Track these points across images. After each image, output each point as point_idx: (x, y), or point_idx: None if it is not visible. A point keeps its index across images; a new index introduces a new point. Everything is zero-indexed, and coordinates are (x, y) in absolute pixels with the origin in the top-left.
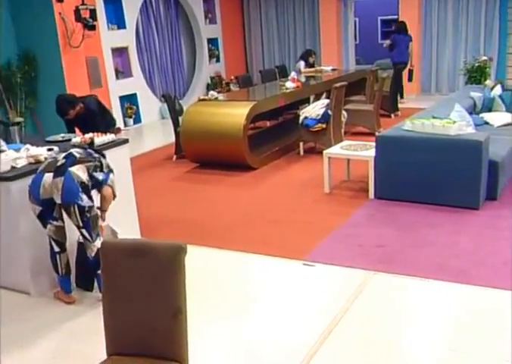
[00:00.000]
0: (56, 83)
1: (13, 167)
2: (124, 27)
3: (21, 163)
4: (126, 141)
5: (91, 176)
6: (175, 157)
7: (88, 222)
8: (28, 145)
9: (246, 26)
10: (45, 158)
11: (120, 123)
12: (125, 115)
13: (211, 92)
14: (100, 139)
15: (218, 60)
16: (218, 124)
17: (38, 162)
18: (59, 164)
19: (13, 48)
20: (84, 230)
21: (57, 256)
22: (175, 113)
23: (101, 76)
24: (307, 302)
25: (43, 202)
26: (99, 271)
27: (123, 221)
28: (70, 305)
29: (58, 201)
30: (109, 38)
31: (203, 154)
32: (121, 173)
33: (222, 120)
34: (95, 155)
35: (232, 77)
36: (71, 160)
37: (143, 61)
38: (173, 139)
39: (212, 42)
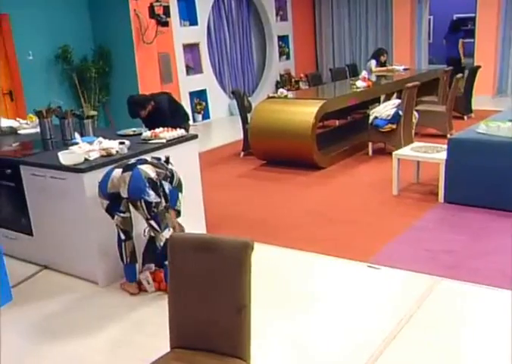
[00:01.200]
0: (128, 78)
1: (86, 159)
2: (196, 24)
3: (94, 155)
4: (195, 136)
5: (160, 181)
6: (242, 154)
7: (156, 216)
8: (101, 138)
9: (317, 23)
10: (117, 152)
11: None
12: (194, 111)
13: (281, 90)
14: (170, 133)
15: (288, 57)
16: (287, 122)
17: (109, 155)
18: (130, 163)
19: (89, 43)
20: (152, 221)
21: (123, 244)
22: (244, 110)
23: (172, 72)
24: (370, 305)
25: (110, 195)
26: (167, 262)
27: (189, 216)
28: (135, 296)
29: (125, 195)
30: (181, 34)
31: (270, 151)
32: (190, 168)
33: (291, 118)
34: (168, 166)
35: (302, 75)
36: (142, 161)
37: (213, 57)
38: (240, 135)
39: (282, 39)
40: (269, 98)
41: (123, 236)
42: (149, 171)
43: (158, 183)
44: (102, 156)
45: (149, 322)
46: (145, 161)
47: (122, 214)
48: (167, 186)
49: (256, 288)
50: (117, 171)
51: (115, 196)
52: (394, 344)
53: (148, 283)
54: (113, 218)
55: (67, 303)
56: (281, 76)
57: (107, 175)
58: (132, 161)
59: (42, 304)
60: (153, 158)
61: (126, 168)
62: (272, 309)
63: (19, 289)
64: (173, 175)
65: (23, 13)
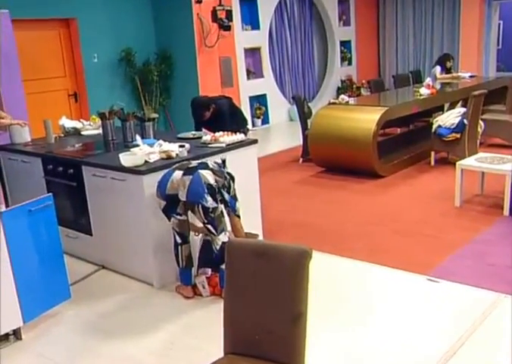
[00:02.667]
0: (189, 82)
1: (146, 162)
2: (258, 28)
3: (154, 158)
4: (254, 141)
5: (219, 188)
6: (301, 160)
7: (213, 220)
8: (161, 141)
9: (381, 28)
10: (177, 155)
11: (248, 124)
12: (253, 115)
13: (342, 96)
14: (229, 138)
15: (350, 63)
16: (347, 129)
17: (169, 158)
18: (191, 166)
19: (152, 47)
20: (209, 225)
21: (179, 248)
22: (304, 115)
23: (233, 76)
24: (428, 320)
25: (168, 197)
26: (223, 266)
27: (247, 221)
28: (190, 299)
29: (183, 198)
30: (243, 38)
31: (330, 158)
32: (248, 173)
33: (351, 125)
34: (227, 175)
35: (364, 81)
36: (203, 165)
37: (274, 62)
38: (300, 141)
39: (345, 44)
40: (330, 104)
41: (179, 240)
42: (209, 177)
43: (216, 190)
44: (162, 159)
45: (203, 326)
46: (206, 166)
47: (178, 217)
48: (226, 195)
49: (312, 297)
50: (178, 173)
51: (173, 197)
52: (453, 362)
53: (203, 287)
54: (169, 219)
55: (122, 303)
56: (342, 82)
57: (167, 176)
58: (194, 164)
59: (98, 303)
60: (215, 162)
61: (187, 172)
62: (327, 318)
63: (77, 287)
64: (230, 185)
65: (89, 17)
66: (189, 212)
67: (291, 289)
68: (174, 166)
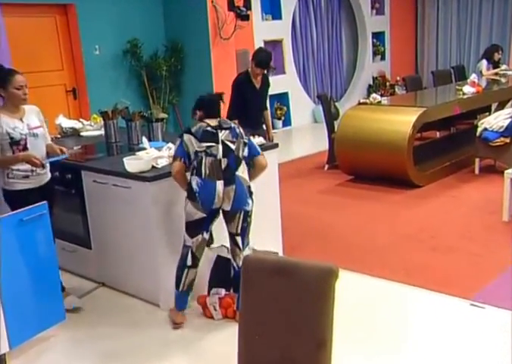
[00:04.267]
0: (202, 78)
1: (153, 167)
2: (280, 18)
3: (162, 163)
4: (275, 145)
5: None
6: (327, 166)
7: (246, 228)
8: (170, 144)
9: (419, 18)
10: None
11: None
12: (274, 116)
13: (373, 95)
14: None
15: (383, 57)
16: (379, 132)
17: None
18: (224, 167)
19: (161, 38)
20: (239, 238)
21: (186, 270)
22: (330, 117)
23: None
24: (471, 351)
25: (212, 211)
26: None
27: (266, 235)
28: (200, 323)
29: (227, 208)
30: (262, 29)
31: (359, 165)
32: (268, 181)
33: (384, 127)
34: (238, 131)
35: (399, 78)
36: (233, 159)
37: (298, 56)
38: (325, 146)
39: (377, 36)
40: (359, 104)
41: (189, 262)
42: (245, 175)
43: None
44: (171, 164)
45: (214, 352)
46: (235, 156)
47: (205, 234)
48: (245, 151)
49: (338, 321)
50: (220, 183)
51: (216, 211)
52: None
53: (215, 309)
54: (192, 237)
55: (123, 326)
56: (374, 79)
57: (211, 187)
58: (223, 159)
59: (97, 326)
60: (227, 131)
61: (228, 180)
62: (355, 346)
63: None
64: (243, 135)
65: (90, 2)
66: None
67: (315, 312)
68: (206, 171)
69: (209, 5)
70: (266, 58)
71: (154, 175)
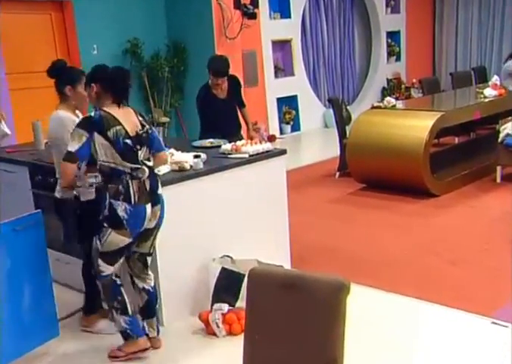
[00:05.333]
0: (206, 80)
1: None
2: (289, 16)
3: (164, 170)
4: (283, 152)
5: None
6: (338, 174)
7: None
8: (172, 150)
9: (437, 15)
10: (191, 166)
11: (275, 130)
12: (282, 121)
13: (388, 99)
14: (253, 147)
15: (398, 58)
16: (394, 138)
17: (182, 170)
18: (149, 188)
19: (162, 37)
20: (150, 258)
21: (122, 289)
22: (342, 121)
23: (258, 74)
24: None
25: (138, 234)
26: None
27: (272, 246)
28: (204, 340)
29: (151, 226)
30: (270, 28)
31: (372, 172)
32: (275, 189)
33: (399, 133)
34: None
35: (415, 81)
36: (155, 180)
37: (307, 57)
38: (336, 152)
39: (392, 35)
40: (373, 108)
41: (119, 281)
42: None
43: None
44: (173, 171)
45: None
46: (155, 175)
47: (123, 257)
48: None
49: (349, 339)
50: (149, 207)
51: (140, 233)
52: None
53: (218, 326)
54: (113, 265)
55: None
56: (388, 81)
57: (142, 212)
58: (146, 179)
59: (92, 342)
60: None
61: (154, 201)
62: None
63: (67, 322)
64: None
65: (88, 0)
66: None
67: (325, 328)
68: (135, 197)
69: (214, 3)
70: (222, 66)
71: None
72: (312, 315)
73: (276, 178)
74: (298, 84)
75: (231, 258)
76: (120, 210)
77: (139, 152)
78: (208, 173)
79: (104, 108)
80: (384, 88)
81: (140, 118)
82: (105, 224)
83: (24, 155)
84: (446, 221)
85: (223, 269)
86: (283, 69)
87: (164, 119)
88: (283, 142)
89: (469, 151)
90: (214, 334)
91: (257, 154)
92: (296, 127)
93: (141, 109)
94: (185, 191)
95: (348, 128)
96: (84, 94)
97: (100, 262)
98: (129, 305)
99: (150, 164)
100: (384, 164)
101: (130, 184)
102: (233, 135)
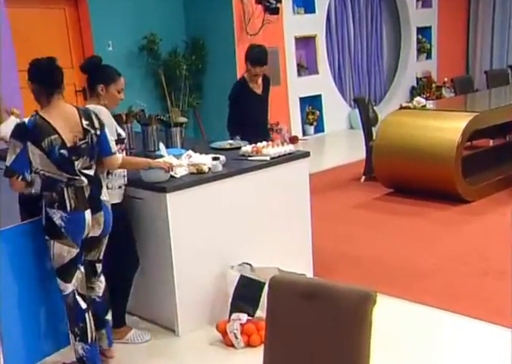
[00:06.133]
0: (226, 78)
1: (171, 177)
2: (313, 11)
3: (181, 172)
4: (306, 154)
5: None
6: (363, 178)
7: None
8: (190, 152)
9: (472, 10)
10: (209, 169)
11: (298, 131)
12: (304, 121)
13: (417, 99)
14: (275, 149)
15: (429, 56)
16: (423, 140)
17: (200, 173)
18: (88, 194)
19: (181, 33)
20: (99, 265)
21: (86, 315)
22: (368, 122)
23: (280, 72)
24: None
25: (82, 242)
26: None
27: (294, 253)
28: (222, 351)
29: (96, 234)
30: (293, 24)
31: (399, 177)
32: (297, 193)
33: (429, 135)
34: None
35: (446, 79)
36: (97, 186)
37: (333, 54)
38: (362, 155)
39: (423, 32)
40: (401, 108)
41: (84, 305)
42: (108, 196)
43: None
44: (191, 173)
45: None
46: (99, 182)
47: (81, 268)
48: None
49: (374, 352)
50: (88, 213)
51: (84, 241)
52: None
53: (236, 337)
54: (70, 280)
55: (134, 352)
56: (418, 80)
57: (79, 218)
58: (86, 187)
59: (105, 351)
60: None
61: (94, 208)
62: None
63: None
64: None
65: None
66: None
67: (350, 341)
68: (72, 203)
69: None
70: (262, 54)
71: (172, 186)
72: (336, 326)
73: (299, 182)
74: (322, 83)
75: (250, 265)
76: (56, 218)
77: (76, 163)
78: (227, 176)
79: (42, 113)
80: (413, 87)
81: (85, 122)
82: (46, 237)
83: None
84: (478, 228)
85: (242, 277)
86: (307, 67)
87: (182, 119)
88: (306, 144)
89: (504, 155)
90: (232, 346)
91: (279, 156)
92: (320, 128)
93: (157, 108)
94: (203, 195)
95: (374, 130)
96: (116, 95)
97: (58, 280)
98: (89, 333)
99: (90, 172)
100: (413, 167)
101: (65, 191)
102: (265, 133)
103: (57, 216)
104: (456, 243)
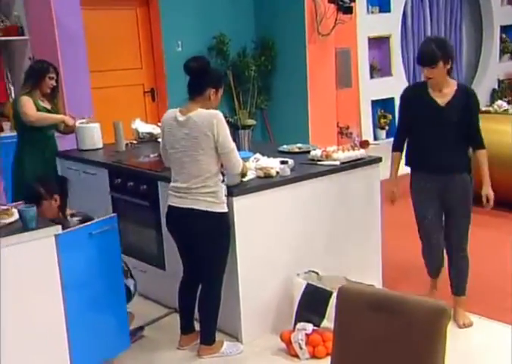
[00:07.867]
0: (296, 80)
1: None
2: (388, 10)
3: (249, 176)
4: (378, 160)
5: None
6: None
7: None
8: (258, 155)
9: None
10: (277, 173)
11: (368, 135)
12: (376, 125)
13: (499, 102)
14: (345, 154)
15: None
16: (505, 147)
17: (268, 176)
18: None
19: (250, 33)
20: None
21: None
22: None
23: (352, 74)
24: None
25: None
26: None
27: (363, 263)
28: (284, 361)
29: None
30: (367, 24)
31: (478, 184)
32: (368, 200)
33: (510, 142)
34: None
35: None
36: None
37: (407, 55)
38: None
39: (507, 30)
40: (481, 112)
41: None
42: None
43: None
44: (259, 177)
45: None
46: None
47: None
48: None
49: None
50: None
51: None
52: None
53: (301, 348)
54: None
55: (194, 358)
56: (500, 82)
57: None
58: None
59: (165, 356)
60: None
61: None
62: None
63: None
64: None
65: None
66: None
67: (422, 357)
68: None
69: None
70: (428, 47)
71: (239, 190)
72: (408, 340)
73: (369, 188)
74: (396, 85)
75: (317, 273)
76: None
77: None
78: (296, 180)
79: None
80: (494, 90)
81: None
82: None
83: (104, 157)
84: None
85: (309, 285)
86: (380, 69)
87: (250, 121)
88: (377, 149)
89: None
90: (296, 356)
91: (349, 161)
92: (392, 133)
93: (225, 110)
94: (269, 199)
95: None
96: (219, 99)
97: None
98: None
99: None
100: (493, 175)
101: None
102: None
103: None
104: None
